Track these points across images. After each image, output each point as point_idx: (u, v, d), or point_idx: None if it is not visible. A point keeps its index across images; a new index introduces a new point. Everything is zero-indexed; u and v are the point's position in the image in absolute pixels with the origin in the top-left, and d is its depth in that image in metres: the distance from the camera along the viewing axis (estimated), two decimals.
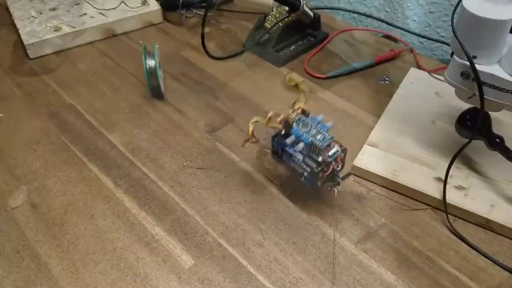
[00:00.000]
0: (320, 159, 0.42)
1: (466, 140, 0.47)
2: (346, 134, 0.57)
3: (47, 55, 0.71)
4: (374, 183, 0.51)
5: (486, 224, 0.46)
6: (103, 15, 0.74)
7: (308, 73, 0.68)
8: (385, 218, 0.48)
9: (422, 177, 0.50)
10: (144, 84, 0.64)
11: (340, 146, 0.43)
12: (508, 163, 0.47)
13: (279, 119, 0.45)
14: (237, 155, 0.55)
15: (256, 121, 0.46)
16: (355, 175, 0.52)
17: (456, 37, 0.42)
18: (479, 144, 0.49)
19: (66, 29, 0.71)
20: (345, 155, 0.45)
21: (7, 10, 0.79)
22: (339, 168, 0.44)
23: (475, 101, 0.45)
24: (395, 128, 0.56)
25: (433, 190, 0.48)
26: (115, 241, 0.45)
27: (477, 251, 0.45)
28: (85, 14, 0.75)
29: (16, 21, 0.73)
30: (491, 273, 0.43)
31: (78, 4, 0.77)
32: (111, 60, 0.70)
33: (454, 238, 0.46)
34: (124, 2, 0.75)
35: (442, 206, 0.47)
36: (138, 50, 0.72)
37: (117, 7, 0.75)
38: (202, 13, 0.71)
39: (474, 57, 0.42)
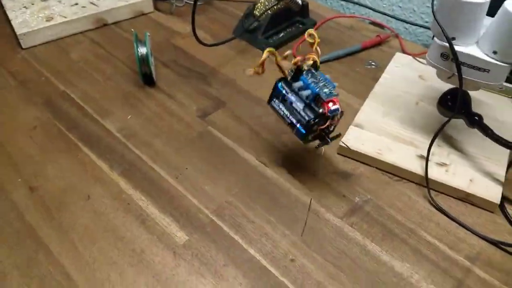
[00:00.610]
0: (321, 110, 0.43)
1: (448, 119, 0.49)
2: None
3: (40, 44, 0.72)
4: (360, 161, 0.53)
5: (465, 198, 0.49)
6: (94, 4, 0.75)
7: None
8: (370, 194, 0.50)
9: (406, 155, 0.52)
10: (136, 71, 0.65)
11: (341, 107, 0.44)
12: (486, 140, 0.49)
13: (294, 60, 0.45)
14: (229, 138, 0.57)
15: (272, 52, 0.44)
16: (342, 155, 0.54)
17: (436, 20, 0.44)
18: (460, 123, 0.52)
19: (58, 19, 0.72)
20: (341, 117, 0.45)
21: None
22: (332, 128, 0.45)
23: (454, 81, 0.47)
24: (380, 110, 0.58)
25: (416, 167, 0.51)
26: (112, 221, 0.47)
27: (457, 222, 0.47)
28: (76, 4, 0.76)
29: (8, 12, 0.74)
30: (470, 242, 0.46)
31: None
32: (103, 49, 0.72)
33: (435, 211, 0.48)
34: None
35: (424, 182, 0.50)
36: (130, 39, 0.73)
37: None
38: (192, 2, 0.72)
39: (453, 38, 0.44)
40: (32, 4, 0.76)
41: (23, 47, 0.71)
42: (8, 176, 0.52)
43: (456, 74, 0.45)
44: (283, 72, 0.47)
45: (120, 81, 0.65)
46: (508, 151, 0.52)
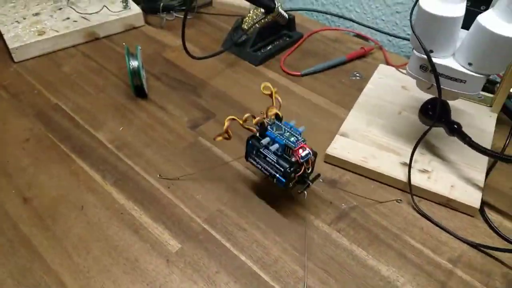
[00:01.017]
0: (293, 159, 0.45)
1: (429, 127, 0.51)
2: (320, 126, 0.61)
3: (32, 58, 0.73)
4: (346, 169, 0.55)
5: (447, 203, 0.51)
6: (85, 19, 0.77)
7: (284, 71, 0.72)
8: (356, 200, 0.52)
9: (389, 163, 0.54)
10: (127, 84, 0.67)
11: (311, 149, 0.46)
12: (466, 148, 0.51)
13: (255, 120, 0.47)
14: (219, 148, 0.58)
15: (233, 119, 0.47)
16: (329, 163, 0.56)
17: (414, 33, 0.47)
18: (441, 132, 0.54)
19: (50, 33, 0.73)
20: (315, 158, 0.47)
21: None
22: (309, 171, 0.47)
23: (434, 91, 0.50)
24: (365, 119, 0.60)
25: (399, 174, 0.53)
26: (106, 230, 0.48)
27: (440, 227, 0.49)
28: (68, 18, 0.77)
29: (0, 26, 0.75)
30: (452, 246, 0.48)
31: (60, 9, 0.79)
32: (95, 62, 0.73)
33: (418, 216, 0.50)
34: (106, 7, 0.77)
35: (408, 188, 0.52)
36: (121, 53, 0.75)
37: (99, 11, 0.77)
38: (182, 16, 0.74)
39: (431, 51, 0.47)
40: (24, 18, 0.77)
41: (15, 60, 0.72)
42: (1, 187, 0.52)
43: (435, 84, 0.48)
44: (251, 130, 0.48)
45: (112, 93, 0.66)
46: (487, 158, 0.54)
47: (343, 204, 0.51)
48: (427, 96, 0.54)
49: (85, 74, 0.70)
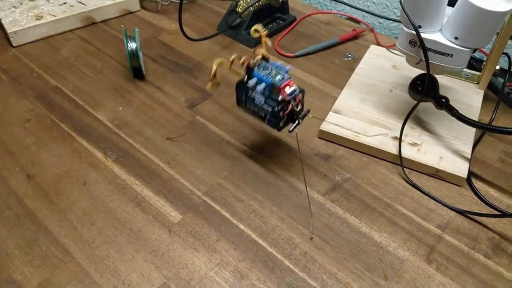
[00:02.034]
0: (280, 98, 0.45)
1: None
2: (314, 105, 0.63)
3: (30, 42, 0.74)
4: (340, 144, 0.57)
5: (436, 174, 0.53)
6: (82, 3, 0.78)
7: (278, 52, 0.73)
8: (349, 173, 0.54)
9: (381, 137, 0.56)
10: (125, 66, 0.68)
11: (299, 87, 0.46)
12: (454, 122, 0.53)
13: (240, 61, 0.47)
14: (216, 126, 0.60)
15: (221, 62, 0.47)
16: (322, 138, 0.58)
17: (404, 10, 0.49)
18: (430, 107, 0.56)
19: (47, 18, 0.74)
20: (303, 96, 0.48)
21: None
22: (298, 109, 0.47)
23: (422, 67, 0.52)
24: (357, 97, 0.62)
25: (391, 147, 0.55)
26: (108, 203, 0.50)
27: (429, 196, 0.51)
28: (65, 3, 0.78)
29: None
30: (440, 213, 0.50)
31: None
32: (92, 46, 0.74)
33: (409, 186, 0.53)
34: None
35: (398, 161, 0.54)
36: (118, 37, 0.76)
37: None
38: (177, 1, 0.76)
39: (420, 26, 0.49)
40: (21, 3, 0.78)
41: (14, 45, 0.73)
42: (5, 165, 0.54)
43: (424, 59, 0.50)
44: (238, 74, 0.49)
45: (110, 75, 0.68)
46: (474, 131, 0.57)
47: (336, 176, 0.53)
48: (416, 73, 0.56)
49: (83, 57, 0.72)
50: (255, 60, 0.48)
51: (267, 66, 0.48)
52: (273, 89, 0.46)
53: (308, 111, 0.49)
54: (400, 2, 0.49)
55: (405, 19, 0.49)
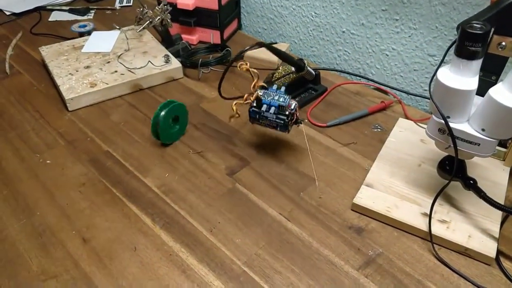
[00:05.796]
0: (287, 112, 0.64)
1: (447, 181, 0.57)
2: (345, 176, 0.67)
3: (83, 107, 0.81)
4: (372, 218, 0.61)
5: (465, 252, 0.56)
6: (132, 72, 0.85)
7: (310, 122, 0.79)
8: (381, 248, 0.57)
9: (411, 213, 0.59)
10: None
11: (295, 102, 0.65)
12: (481, 200, 0.56)
13: (252, 97, 0.66)
14: (254, 194, 0.64)
15: (237, 103, 0.67)
16: (355, 211, 0.61)
17: (433, 101, 0.53)
18: (458, 184, 0.60)
19: (100, 85, 0.82)
20: (299, 108, 0.67)
21: (44, 66, 0.90)
22: (297, 116, 0.67)
23: (451, 151, 0.56)
24: (387, 170, 0.66)
25: (421, 223, 0.58)
26: (157, 270, 0.54)
27: (458, 274, 0.54)
28: (116, 71, 0.86)
29: (55, 78, 0.84)
30: None
31: (109, 62, 0.88)
32: (140, 112, 0.81)
33: (439, 263, 0.55)
34: (150, 62, 0.86)
35: (428, 237, 0.57)
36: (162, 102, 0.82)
37: (145, 66, 0.86)
38: (217, 69, 0.83)
39: (448, 117, 0.53)
40: (77, 71, 0.86)
41: (69, 109, 0.80)
42: (63, 228, 0.59)
43: (452, 146, 0.53)
44: (249, 103, 0.67)
45: (156, 141, 0.74)
46: None
47: (369, 251, 0.56)
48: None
49: (131, 122, 0.78)
50: (259, 92, 0.65)
51: (269, 93, 0.65)
52: (281, 109, 0.64)
53: (303, 119, 0.69)
54: (430, 94, 0.54)
55: (435, 109, 0.53)
